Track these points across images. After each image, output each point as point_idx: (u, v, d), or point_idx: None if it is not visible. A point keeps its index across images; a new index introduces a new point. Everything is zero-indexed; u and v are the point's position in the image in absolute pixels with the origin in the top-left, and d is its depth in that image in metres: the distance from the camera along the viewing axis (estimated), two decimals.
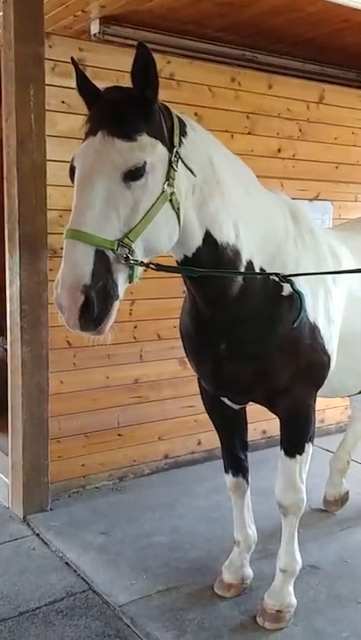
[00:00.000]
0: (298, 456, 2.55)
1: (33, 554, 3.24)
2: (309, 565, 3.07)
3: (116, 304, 1.84)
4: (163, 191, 1.89)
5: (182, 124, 2.03)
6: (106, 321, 1.83)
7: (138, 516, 3.63)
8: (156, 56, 4.08)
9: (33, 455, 3.58)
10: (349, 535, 3.46)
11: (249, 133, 4.34)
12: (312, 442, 2.58)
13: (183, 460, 4.35)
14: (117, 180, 1.82)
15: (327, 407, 4.86)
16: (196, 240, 2.14)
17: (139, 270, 1.90)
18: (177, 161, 1.94)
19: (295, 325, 2.24)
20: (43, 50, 3.46)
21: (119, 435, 4.08)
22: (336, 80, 4.82)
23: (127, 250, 1.81)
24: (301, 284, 2.38)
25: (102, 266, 1.79)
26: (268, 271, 2.32)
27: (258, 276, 2.25)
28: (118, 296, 1.84)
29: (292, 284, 2.18)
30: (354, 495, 3.77)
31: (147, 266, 1.88)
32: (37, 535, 3.43)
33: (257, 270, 2.31)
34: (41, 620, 2.68)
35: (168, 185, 1.90)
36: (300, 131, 4.57)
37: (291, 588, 2.71)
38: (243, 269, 2.26)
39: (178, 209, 1.95)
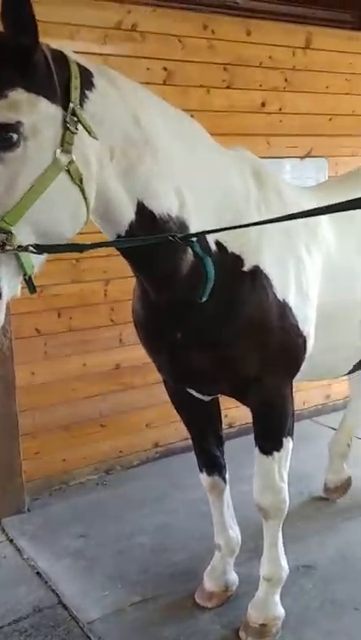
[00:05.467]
0: (275, 453, 2.23)
1: (3, 563, 2.99)
2: (304, 566, 2.78)
3: (2, 302, 1.50)
4: (54, 160, 1.52)
5: (87, 75, 1.63)
6: None
7: (122, 514, 3.36)
8: (113, 5, 3.65)
9: (3, 454, 3.32)
10: (351, 526, 3.14)
11: (228, 87, 3.91)
12: (291, 436, 2.25)
13: (175, 447, 4.05)
14: None
15: (333, 381, 4.51)
16: (127, 214, 1.77)
17: (36, 259, 1.55)
18: (76, 121, 1.57)
19: (203, 299, 1.89)
20: None
21: (102, 425, 3.79)
22: (323, 22, 4.33)
23: (5, 236, 1.46)
24: (266, 256, 2.03)
25: None
26: (226, 245, 1.97)
27: (193, 250, 1.85)
28: (0, 293, 1.49)
29: (192, 246, 1.78)
30: (357, 480, 3.44)
31: (25, 250, 1.52)
32: (11, 541, 3.17)
33: (212, 245, 1.95)
34: None
35: (63, 152, 1.53)
36: (286, 81, 4.11)
37: (277, 598, 2.42)
38: (197, 244, 1.89)
39: (81, 181, 1.57)
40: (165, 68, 3.66)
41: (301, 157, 4.23)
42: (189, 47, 3.75)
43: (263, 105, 4.06)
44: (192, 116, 2.04)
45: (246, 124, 3.95)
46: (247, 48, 3.93)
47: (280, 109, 4.12)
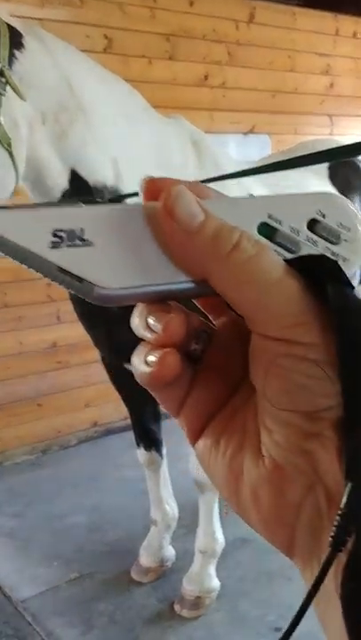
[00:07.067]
0: None
1: None
2: (241, 538, 2.79)
3: None
4: None
5: (16, 35, 1.54)
6: None
7: (58, 494, 3.30)
8: None
9: None
10: None
11: (170, 58, 3.84)
12: None
13: (115, 426, 4.01)
14: None
15: None
16: (60, 182, 1.70)
17: None
18: (4, 82, 1.49)
19: None
20: None
21: (39, 405, 3.71)
22: None
23: None
24: None
25: None
26: None
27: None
28: None
29: None
30: None
31: None
32: None
33: None
34: None
35: None
36: (230, 55, 4.07)
37: (212, 571, 2.43)
38: None
39: (9, 145, 1.50)
40: (106, 36, 3.55)
41: (244, 133, 4.21)
42: (131, 15, 3.64)
43: (206, 78, 4.01)
44: (133, 86, 1.98)
45: (189, 98, 3.89)
46: (190, 19, 3.86)
47: (223, 84, 4.08)
